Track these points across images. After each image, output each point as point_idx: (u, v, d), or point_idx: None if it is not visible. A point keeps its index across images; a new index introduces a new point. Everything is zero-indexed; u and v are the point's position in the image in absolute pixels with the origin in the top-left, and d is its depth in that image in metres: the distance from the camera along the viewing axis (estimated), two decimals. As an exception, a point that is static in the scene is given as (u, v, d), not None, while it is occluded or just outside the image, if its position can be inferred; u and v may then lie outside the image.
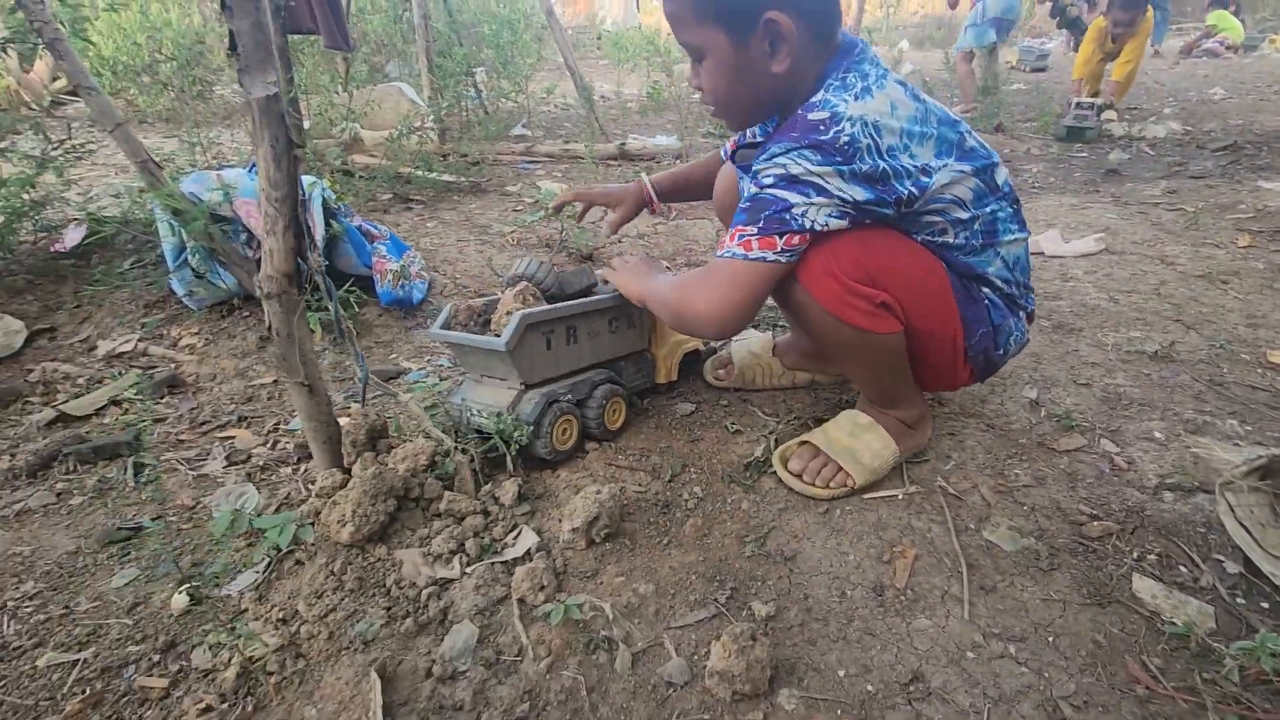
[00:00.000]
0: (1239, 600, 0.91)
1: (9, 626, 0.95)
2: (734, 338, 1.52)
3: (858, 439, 1.14)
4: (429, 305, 1.99)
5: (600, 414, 1.22)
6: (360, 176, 2.75)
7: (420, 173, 2.75)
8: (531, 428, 1.11)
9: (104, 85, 4.17)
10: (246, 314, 1.83)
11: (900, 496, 1.11)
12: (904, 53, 9.63)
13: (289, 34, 2.70)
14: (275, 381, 1.64)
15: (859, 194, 0.93)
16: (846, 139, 0.91)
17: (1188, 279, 1.91)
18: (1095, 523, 1.04)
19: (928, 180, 0.96)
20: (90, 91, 1.59)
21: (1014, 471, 1.17)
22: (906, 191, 0.95)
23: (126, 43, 4.27)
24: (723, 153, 1.42)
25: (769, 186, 0.95)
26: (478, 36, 4.34)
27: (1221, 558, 0.97)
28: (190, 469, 1.32)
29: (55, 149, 1.96)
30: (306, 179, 1.82)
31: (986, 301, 1.11)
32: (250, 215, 1.75)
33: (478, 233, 2.54)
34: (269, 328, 0.98)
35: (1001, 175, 1.07)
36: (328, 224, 1.82)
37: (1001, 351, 1.15)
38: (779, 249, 0.96)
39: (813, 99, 0.95)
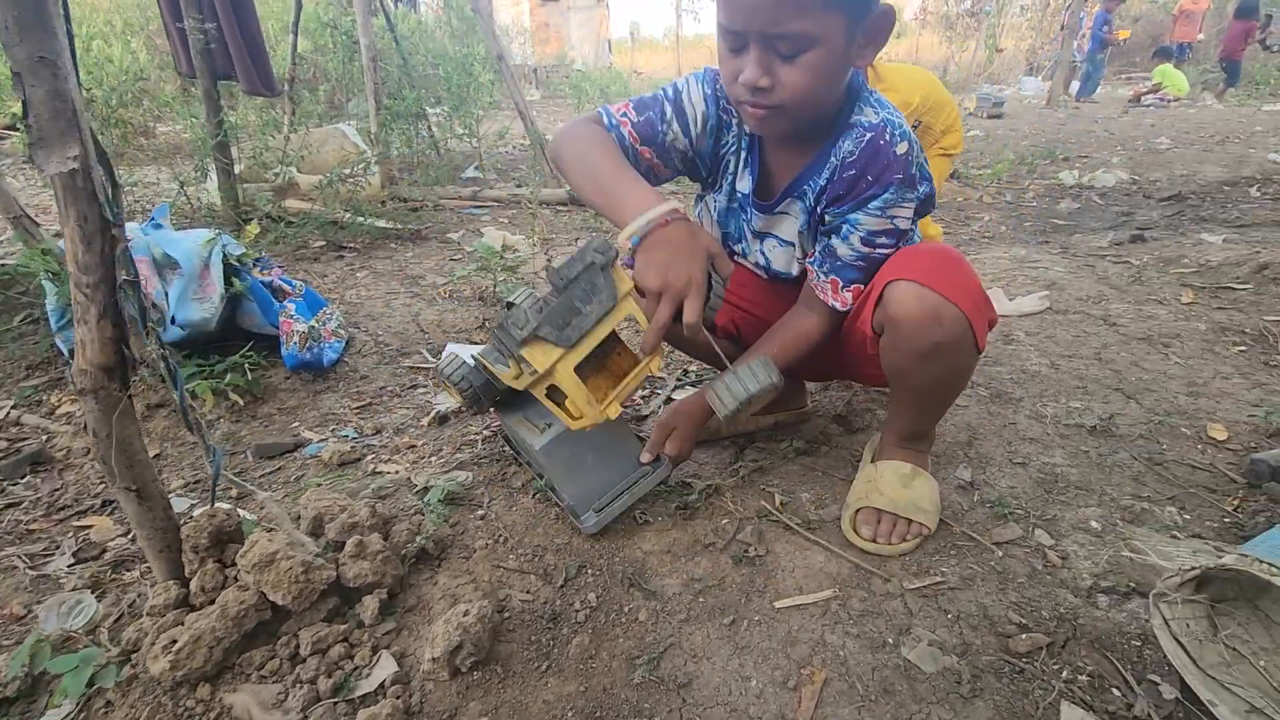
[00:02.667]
0: (1176, 734, 0.82)
1: None
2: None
3: (911, 488, 1.13)
4: (343, 366, 1.86)
5: None
6: (290, 223, 2.63)
7: (352, 219, 2.64)
8: None
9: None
10: (135, 378, 1.69)
11: (817, 603, 1.01)
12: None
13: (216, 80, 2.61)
14: (158, 456, 1.50)
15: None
16: (918, 165, 1.01)
17: (1129, 342, 1.86)
18: (1024, 635, 0.94)
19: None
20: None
21: (942, 569, 1.07)
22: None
23: (65, 79, 4.13)
24: (604, 115, 1.16)
25: (884, 246, 1.05)
26: (431, 79, 4.30)
27: (1157, 679, 0.88)
28: (31, 567, 1.17)
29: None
30: (205, 234, 1.71)
31: None
32: (141, 274, 1.63)
33: (409, 284, 2.43)
34: (85, 427, 0.86)
35: None
36: (229, 281, 1.69)
37: None
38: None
39: (869, 119, 1.00)
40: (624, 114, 1.11)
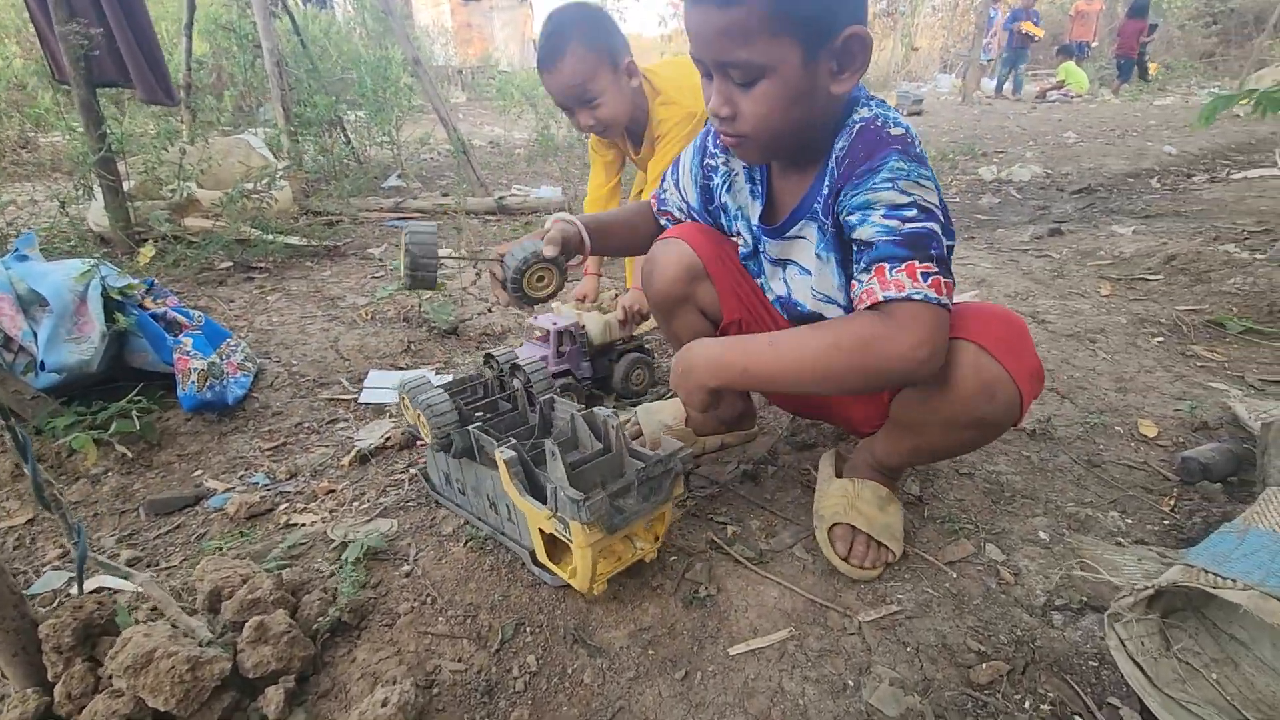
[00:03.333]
0: (1140, 761, 0.79)
1: None
2: (643, 408, 1.44)
3: (886, 512, 1.10)
4: (253, 402, 1.70)
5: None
6: (191, 243, 2.42)
7: (259, 236, 2.45)
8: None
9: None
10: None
11: (773, 646, 0.95)
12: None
13: (96, 87, 2.37)
14: (29, 522, 1.32)
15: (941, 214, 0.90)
16: (922, 154, 0.90)
17: (1059, 339, 1.90)
18: (984, 664, 0.91)
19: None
20: None
21: (898, 595, 1.03)
22: None
23: (-76, 89, 3.73)
24: (657, 205, 1.29)
25: (919, 220, 0.85)
26: (344, 83, 4.07)
27: (1117, 702, 0.86)
28: None
29: None
30: (80, 265, 1.52)
31: None
32: (2, 313, 1.43)
33: (327, 306, 2.27)
34: (-95, 520, 0.71)
35: None
36: (111, 317, 1.52)
37: None
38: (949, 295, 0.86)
39: (861, 115, 0.92)
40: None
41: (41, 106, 3.65)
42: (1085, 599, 1.00)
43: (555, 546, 1.03)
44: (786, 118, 0.90)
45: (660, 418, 1.38)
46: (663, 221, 1.28)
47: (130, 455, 1.44)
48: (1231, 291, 2.19)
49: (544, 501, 0.94)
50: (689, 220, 1.24)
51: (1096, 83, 10.21)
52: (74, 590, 1.02)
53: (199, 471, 1.48)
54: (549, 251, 1.08)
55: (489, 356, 1.28)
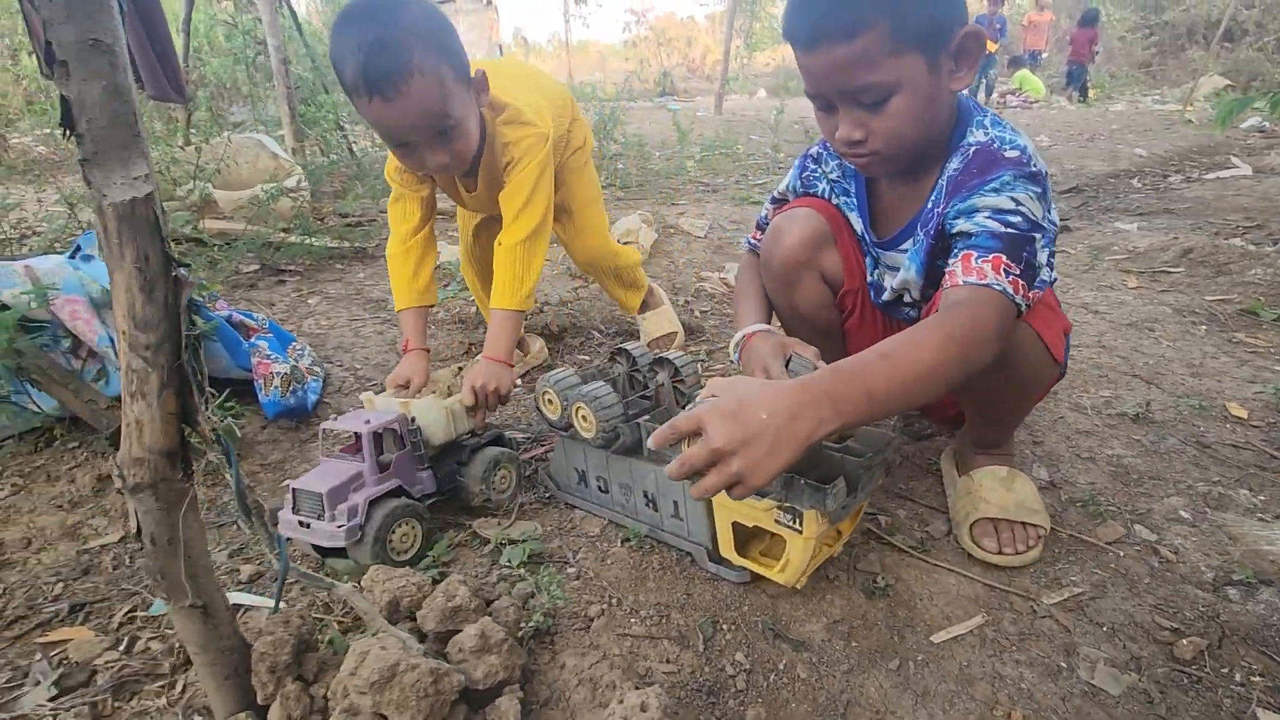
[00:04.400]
0: (1364, 726, 0.82)
1: None
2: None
3: (1013, 490, 1.10)
4: (325, 408, 1.62)
5: None
6: (217, 246, 2.30)
7: (297, 239, 2.34)
8: None
9: None
10: (74, 444, 1.38)
11: (972, 632, 0.94)
12: (763, 100, 10.19)
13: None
14: (123, 539, 1.22)
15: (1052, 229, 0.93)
16: (1038, 169, 0.93)
17: (1119, 328, 1.96)
18: (1182, 640, 0.92)
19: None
20: None
21: (1071, 577, 1.04)
22: None
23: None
24: (748, 244, 1.32)
25: (1020, 227, 0.89)
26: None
27: (1322, 669, 0.88)
28: (-3, 710, 0.90)
29: None
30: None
31: None
32: (76, 316, 1.33)
33: (373, 309, 2.18)
34: (137, 531, 0.65)
35: None
36: (190, 320, 1.42)
37: None
38: (1029, 302, 0.89)
39: (977, 138, 0.96)
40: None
41: (16, 101, 3.44)
42: (1254, 575, 1.03)
43: (744, 551, 1.00)
44: (917, 127, 0.94)
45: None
46: None
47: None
48: (1254, 282, 2.30)
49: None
50: None
51: (1049, 89, 10.66)
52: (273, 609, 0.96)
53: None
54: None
55: (620, 350, 1.25)
